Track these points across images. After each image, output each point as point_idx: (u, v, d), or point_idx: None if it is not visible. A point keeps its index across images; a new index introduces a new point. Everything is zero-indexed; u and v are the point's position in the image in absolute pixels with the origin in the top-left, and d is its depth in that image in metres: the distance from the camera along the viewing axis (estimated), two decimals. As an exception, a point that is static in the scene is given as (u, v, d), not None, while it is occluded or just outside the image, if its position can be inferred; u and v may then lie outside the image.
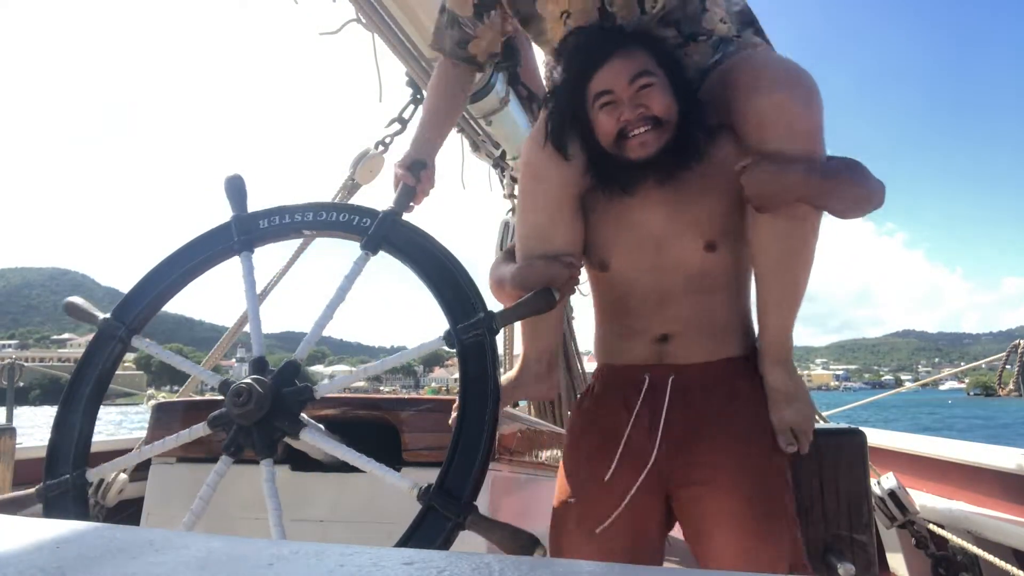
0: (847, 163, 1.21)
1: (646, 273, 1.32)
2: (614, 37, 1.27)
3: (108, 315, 1.27)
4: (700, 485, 1.21)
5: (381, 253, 1.22)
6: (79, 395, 1.23)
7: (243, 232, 1.27)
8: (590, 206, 1.35)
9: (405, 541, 0.98)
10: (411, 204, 1.35)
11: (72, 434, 1.20)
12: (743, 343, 1.32)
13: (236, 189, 1.33)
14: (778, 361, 1.27)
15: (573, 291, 1.35)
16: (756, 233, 1.24)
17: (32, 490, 1.14)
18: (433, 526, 0.99)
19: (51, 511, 1.14)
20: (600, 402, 1.35)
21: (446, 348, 1.11)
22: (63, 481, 1.14)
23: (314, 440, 1.09)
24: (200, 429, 1.15)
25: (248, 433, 1.09)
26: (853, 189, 1.20)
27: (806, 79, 1.18)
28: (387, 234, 1.20)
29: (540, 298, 1.11)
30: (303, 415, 1.13)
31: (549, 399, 1.54)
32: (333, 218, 1.24)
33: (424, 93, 2.40)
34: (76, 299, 1.31)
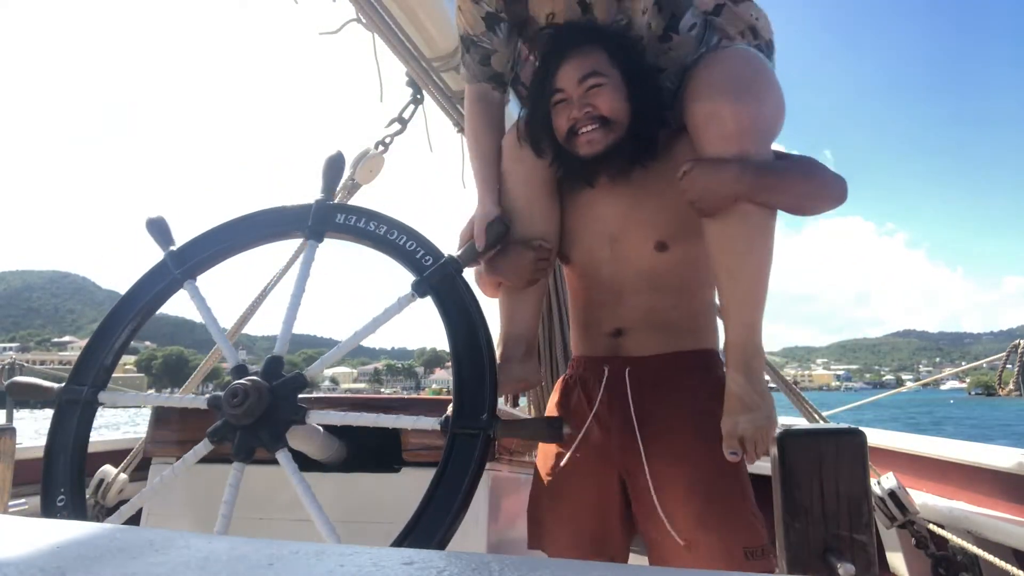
0: (794, 159, 1.23)
1: (602, 267, 1.37)
2: (573, 36, 1.29)
3: (175, 248, 1.29)
4: (645, 477, 1.25)
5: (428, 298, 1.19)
6: (123, 318, 1.26)
7: (319, 220, 1.27)
8: (562, 198, 1.41)
9: (444, 468, 1.01)
10: (476, 262, 1.32)
11: (106, 353, 1.24)
12: (698, 338, 1.35)
13: (332, 171, 1.33)
14: (738, 366, 1.21)
15: (545, 274, 1.39)
16: (707, 237, 1.24)
17: (57, 385, 1.21)
18: (465, 448, 1.01)
19: (59, 414, 1.20)
20: (569, 391, 1.41)
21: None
22: (79, 391, 1.20)
23: (285, 467, 1.08)
24: (203, 401, 1.17)
25: (232, 431, 1.10)
26: (799, 184, 1.21)
27: (746, 81, 1.18)
28: (439, 283, 1.16)
29: (546, 427, 1.06)
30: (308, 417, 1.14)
31: (534, 385, 1.58)
32: (401, 242, 1.22)
33: (424, 93, 2.40)
34: (159, 217, 1.33)
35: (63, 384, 1.21)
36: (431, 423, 1.06)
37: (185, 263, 1.28)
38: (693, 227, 1.27)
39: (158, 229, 1.32)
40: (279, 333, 1.20)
